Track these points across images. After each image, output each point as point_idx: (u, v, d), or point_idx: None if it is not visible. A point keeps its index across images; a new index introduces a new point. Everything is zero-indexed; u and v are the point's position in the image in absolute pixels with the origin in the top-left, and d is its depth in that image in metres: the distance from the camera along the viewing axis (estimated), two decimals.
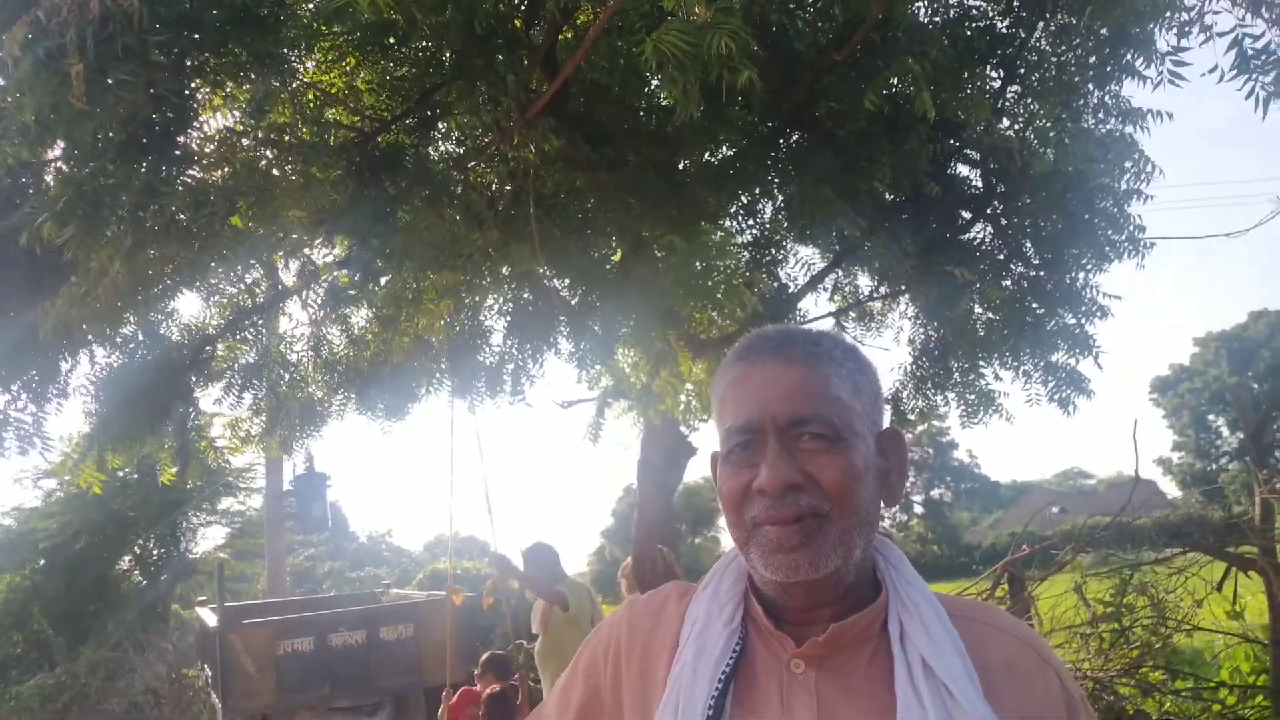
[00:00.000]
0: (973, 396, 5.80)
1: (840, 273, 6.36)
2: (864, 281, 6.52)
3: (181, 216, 3.05)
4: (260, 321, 5.66)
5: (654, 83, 4.92)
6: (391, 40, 4.25)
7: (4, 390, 4.38)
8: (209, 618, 9.34)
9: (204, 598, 12.23)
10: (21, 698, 11.89)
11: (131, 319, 4.37)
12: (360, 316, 5.89)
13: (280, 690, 8.02)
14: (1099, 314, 5.45)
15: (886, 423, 1.24)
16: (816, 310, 6.15)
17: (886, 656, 1.11)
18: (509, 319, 5.99)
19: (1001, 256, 5.58)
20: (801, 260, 6.03)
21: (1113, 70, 4.77)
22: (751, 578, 1.20)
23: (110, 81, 2.58)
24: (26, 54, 2.49)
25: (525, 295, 5.77)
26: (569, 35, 4.69)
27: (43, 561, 14.24)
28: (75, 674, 12.10)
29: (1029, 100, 5.12)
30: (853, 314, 6.54)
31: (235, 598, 14.65)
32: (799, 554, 1.07)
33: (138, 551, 15.03)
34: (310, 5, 3.88)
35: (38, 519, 14.52)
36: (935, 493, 45.55)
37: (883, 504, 1.19)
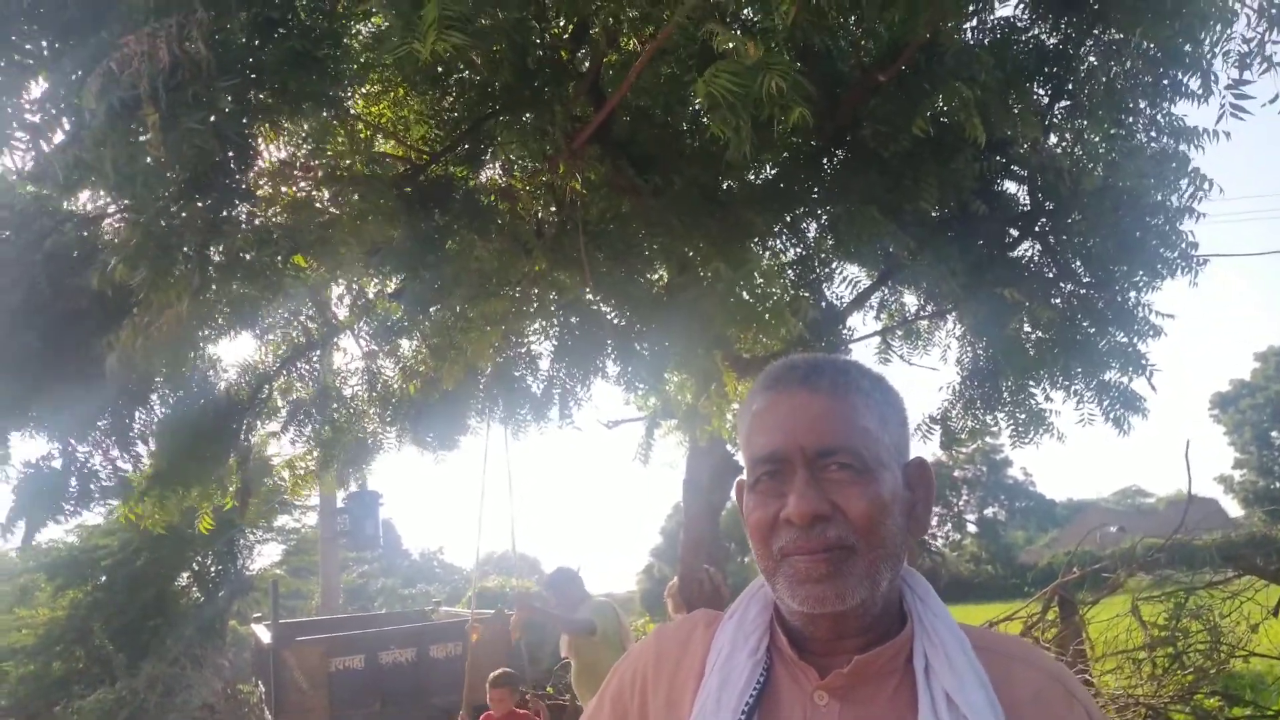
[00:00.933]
0: (1023, 416, 5.72)
1: (886, 291, 6.32)
2: (910, 300, 6.47)
3: (246, 255, 3.13)
4: (315, 357, 5.77)
5: (696, 104, 4.96)
6: (440, 71, 4.33)
7: (86, 442, 4.51)
8: (264, 634, 9.50)
9: (259, 614, 12.43)
10: (83, 713, 12.17)
11: (192, 357, 4.47)
12: (410, 348, 5.99)
13: (332, 707, 8.13)
14: (1152, 333, 5.36)
15: (919, 451, 1.24)
16: (863, 329, 6.13)
17: (911, 690, 1.10)
18: (556, 344, 6.06)
19: (1051, 275, 5.51)
20: (847, 279, 6.02)
21: (1165, 88, 4.70)
22: (777, 607, 1.20)
23: (185, 129, 2.67)
24: (101, 105, 2.58)
25: (573, 320, 5.83)
26: (613, 59, 4.74)
27: (104, 578, 14.56)
28: (135, 689, 12.34)
29: (1078, 117, 5.06)
30: (899, 333, 6.49)
31: (290, 614, 14.89)
32: (826, 585, 1.07)
33: (196, 568, 15.32)
34: (360, 39, 3.98)
35: (99, 536, 14.84)
36: (989, 511, 44.63)
37: (911, 535, 1.17)
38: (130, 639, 13.52)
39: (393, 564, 37.03)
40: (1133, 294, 5.35)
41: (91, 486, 4.48)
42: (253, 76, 3.00)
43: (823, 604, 1.08)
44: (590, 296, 5.22)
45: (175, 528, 14.24)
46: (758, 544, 1.13)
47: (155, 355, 3.57)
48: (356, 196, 3.70)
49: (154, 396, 4.73)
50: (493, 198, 4.76)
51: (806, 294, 5.74)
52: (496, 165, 5.06)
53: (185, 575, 15.34)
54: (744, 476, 1.22)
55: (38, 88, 2.93)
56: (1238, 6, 3.72)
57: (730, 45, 2.58)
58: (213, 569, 15.37)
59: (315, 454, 5.92)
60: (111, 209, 3.61)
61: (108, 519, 15.11)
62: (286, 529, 17.42)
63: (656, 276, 5.59)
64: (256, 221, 3.25)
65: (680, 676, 1.24)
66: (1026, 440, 5.74)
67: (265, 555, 17.52)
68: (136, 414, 4.67)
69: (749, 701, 1.13)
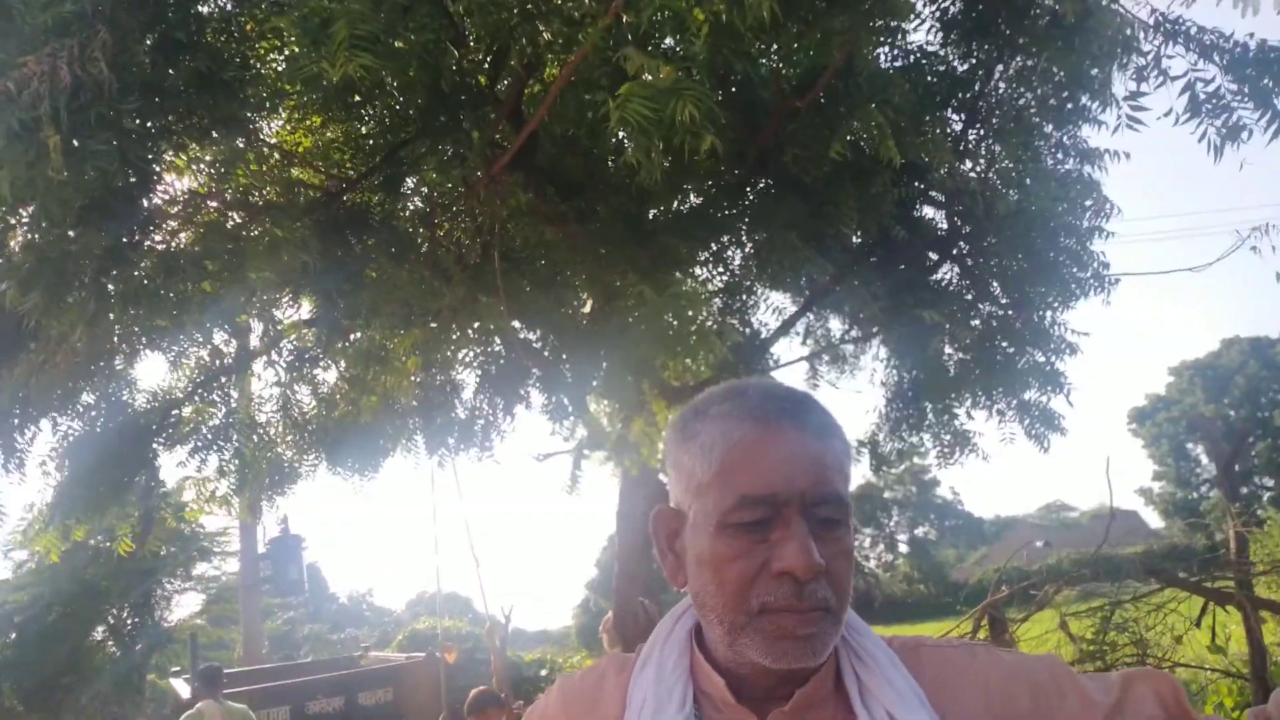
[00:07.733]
0: (948, 436, 5.82)
1: (811, 316, 6.39)
2: (835, 325, 6.56)
3: (148, 282, 3.01)
4: (228, 383, 5.59)
5: (620, 134, 4.96)
6: (356, 99, 4.26)
7: None
8: (182, 689, 9.12)
9: (178, 668, 11.95)
10: None
11: (90, 387, 4.30)
12: (329, 375, 5.85)
13: None
14: (1068, 351, 5.50)
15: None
16: (789, 354, 6.13)
17: (848, 715, 1.03)
18: (480, 373, 5.97)
19: (969, 296, 5.63)
20: (772, 305, 6.07)
21: (1071, 112, 4.86)
22: (705, 652, 1.10)
23: (87, 151, 2.57)
24: (0, 125, 2.46)
25: (496, 349, 5.75)
26: (536, 89, 4.72)
27: (14, 635, 13.91)
28: None
29: (990, 142, 5.20)
30: (825, 357, 6.55)
31: None
32: (807, 643, 0.98)
33: (111, 621, 14.70)
34: (275, 67, 3.90)
35: (8, 592, 14.20)
36: (920, 531, 45.39)
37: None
38: (43, 698, 12.92)
39: (319, 609, 36.10)
40: (1048, 314, 5.48)
41: None
42: (157, 100, 2.90)
43: (801, 660, 0.98)
44: (515, 325, 5.16)
45: (89, 580, 13.70)
46: (731, 596, 0.99)
47: (48, 389, 3.40)
48: (269, 223, 3.59)
49: (45, 421, 4.50)
50: (412, 225, 4.68)
51: (733, 321, 5.76)
52: (419, 194, 4.99)
53: (100, 629, 14.70)
54: (675, 505, 1.10)
55: None
56: (1136, 25, 3.86)
57: (642, 68, 2.55)
58: (129, 621, 14.76)
59: (229, 479, 5.70)
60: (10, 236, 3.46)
61: (15, 574, 14.50)
62: (206, 577, 16.86)
63: (581, 305, 5.56)
64: (161, 248, 3.13)
65: None
66: (952, 460, 5.84)
67: (184, 605, 16.89)
68: (25, 436, 4.44)
69: None
